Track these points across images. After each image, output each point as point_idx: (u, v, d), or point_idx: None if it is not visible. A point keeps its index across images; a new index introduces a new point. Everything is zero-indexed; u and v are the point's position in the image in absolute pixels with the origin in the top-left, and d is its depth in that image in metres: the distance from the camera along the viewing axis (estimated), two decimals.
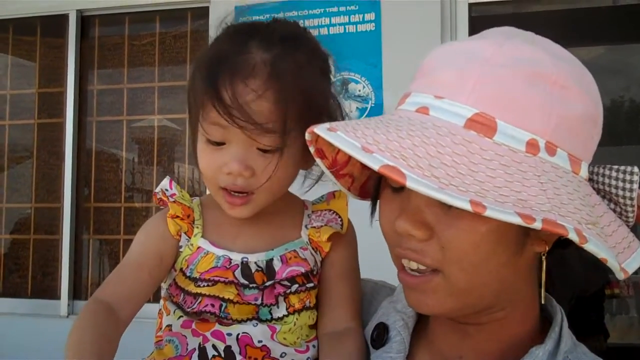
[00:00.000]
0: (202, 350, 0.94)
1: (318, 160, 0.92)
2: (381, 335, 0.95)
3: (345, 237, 1.05)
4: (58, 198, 4.36)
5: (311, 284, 1.00)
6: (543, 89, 0.76)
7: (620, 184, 0.81)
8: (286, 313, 0.97)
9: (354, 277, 1.06)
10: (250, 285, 0.96)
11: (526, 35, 0.84)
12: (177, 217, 1.00)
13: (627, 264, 0.78)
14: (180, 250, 1.00)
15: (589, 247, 0.70)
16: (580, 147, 0.80)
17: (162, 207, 1.04)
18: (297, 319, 0.98)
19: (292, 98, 0.93)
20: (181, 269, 0.99)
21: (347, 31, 3.65)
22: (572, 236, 0.68)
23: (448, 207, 0.78)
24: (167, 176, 1.07)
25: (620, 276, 0.76)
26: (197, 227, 1.01)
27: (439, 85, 0.80)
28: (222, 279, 0.96)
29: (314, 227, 1.03)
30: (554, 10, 4.51)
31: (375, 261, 1.18)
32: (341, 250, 1.04)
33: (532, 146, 0.75)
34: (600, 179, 0.83)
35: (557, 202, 0.72)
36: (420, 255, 0.81)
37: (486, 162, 0.73)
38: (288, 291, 0.97)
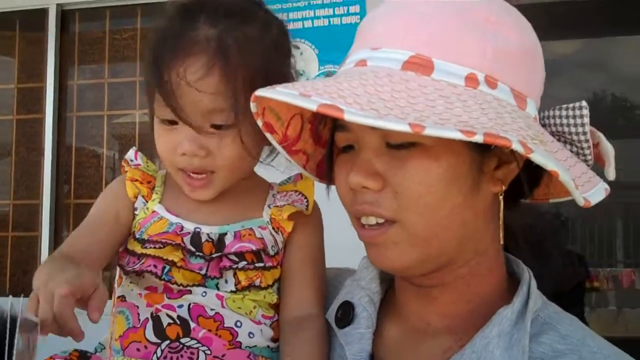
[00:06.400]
0: (156, 319, 0.92)
1: (267, 135, 0.91)
2: (347, 314, 0.93)
3: (311, 220, 1.03)
4: (37, 194, 4.31)
5: (261, 264, 0.96)
6: (474, 25, 0.78)
7: (572, 120, 0.82)
8: (234, 289, 0.95)
9: (319, 262, 1.04)
10: (197, 254, 0.94)
11: None
12: (136, 180, 1.01)
13: (590, 195, 0.77)
14: (136, 213, 0.99)
15: (535, 157, 0.69)
16: (523, 82, 0.81)
17: None
18: (245, 295, 0.95)
19: (242, 73, 0.91)
20: (133, 232, 0.98)
21: (331, 23, 3.63)
22: (516, 147, 0.68)
23: (397, 151, 0.79)
24: (133, 147, 1.07)
25: (581, 202, 0.75)
26: (157, 193, 1.01)
27: (373, 38, 0.82)
28: (170, 242, 0.94)
29: (277, 206, 1.01)
30: (534, 3, 4.53)
31: (344, 250, 1.17)
32: (306, 233, 1.02)
33: (471, 80, 0.77)
34: (552, 120, 0.84)
35: (500, 122, 0.72)
36: (375, 206, 0.80)
37: (425, 95, 0.74)
38: (235, 266, 0.95)
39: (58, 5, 4.31)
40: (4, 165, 4.53)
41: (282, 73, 0.98)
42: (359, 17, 3.59)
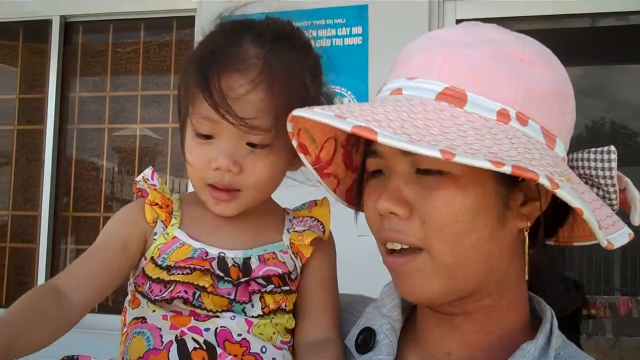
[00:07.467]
0: (182, 343, 0.90)
1: (301, 156, 0.93)
2: (368, 340, 0.94)
3: (326, 245, 1.04)
4: (36, 206, 4.30)
5: (287, 287, 0.97)
6: (509, 63, 0.80)
7: (599, 164, 0.84)
8: (261, 313, 0.94)
9: (334, 287, 1.05)
10: (225, 279, 0.94)
11: (491, 24, 0.89)
12: (156, 204, 0.99)
13: (613, 239, 0.78)
14: (155, 238, 0.98)
15: (561, 193, 0.70)
16: (553, 122, 0.82)
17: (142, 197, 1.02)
18: (272, 318, 0.96)
19: (283, 94, 0.93)
20: (152, 258, 0.96)
21: (334, 44, 3.64)
22: (543, 181, 0.68)
23: (426, 179, 0.80)
24: (150, 166, 1.06)
25: (604, 243, 0.76)
26: (176, 218, 1.00)
27: (411, 69, 0.85)
28: (198, 267, 0.93)
29: (296, 231, 1.02)
30: (535, 30, 4.56)
31: (358, 277, 1.18)
32: (323, 259, 1.03)
33: (502, 115, 0.79)
34: (580, 163, 0.85)
35: (529, 156, 0.74)
36: (402, 234, 0.82)
37: (457, 125, 0.76)
38: (263, 290, 0.95)
39: (62, 17, 4.32)
40: (4, 175, 4.53)
41: (317, 97, 1.01)
42: (361, 38, 3.61)
